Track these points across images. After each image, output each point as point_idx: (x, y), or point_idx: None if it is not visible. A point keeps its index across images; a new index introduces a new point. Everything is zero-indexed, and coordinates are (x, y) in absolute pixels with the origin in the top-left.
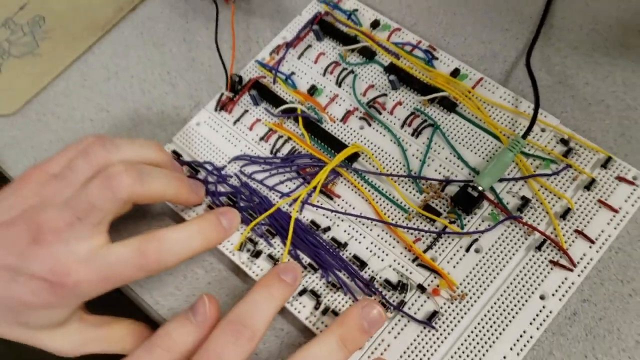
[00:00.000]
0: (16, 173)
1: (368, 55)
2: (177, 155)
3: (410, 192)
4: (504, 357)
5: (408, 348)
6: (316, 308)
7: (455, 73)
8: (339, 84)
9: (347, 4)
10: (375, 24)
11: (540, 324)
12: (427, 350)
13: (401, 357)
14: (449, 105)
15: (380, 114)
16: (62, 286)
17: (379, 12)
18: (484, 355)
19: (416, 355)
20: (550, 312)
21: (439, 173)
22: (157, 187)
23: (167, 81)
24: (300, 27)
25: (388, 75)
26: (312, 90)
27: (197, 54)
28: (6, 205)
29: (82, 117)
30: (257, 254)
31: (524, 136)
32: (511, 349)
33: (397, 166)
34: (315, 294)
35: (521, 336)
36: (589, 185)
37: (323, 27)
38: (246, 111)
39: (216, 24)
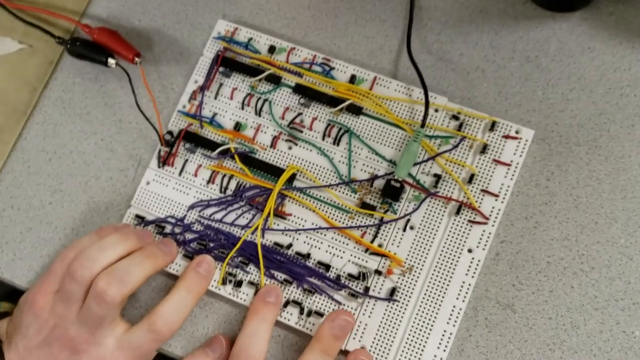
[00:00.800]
0: (2, 272)
1: (275, 81)
2: (140, 218)
3: (346, 195)
4: (454, 306)
5: (381, 322)
6: (301, 313)
7: (353, 79)
8: (258, 113)
9: (241, 34)
10: (272, 49)
11: (474, 272)
12: (395, 320)
13: (377, 331)
14: (355, 109)
15: (301, 132)
16: None
17: (270, 32)
18: (438, 310)
19: (388, 326)
20: (479, 260)
21: (365, 171)
22: (138, 278)
23: (104, 148)
24: (206, 68)
25: (299, 98)
26: (238, 126)
27: (122, 115)
28: (34, 330)
29: (40, 203)
30: (239, 283)
31: (422, 125)
32: (457, 298)
33: (329, 174)
34: (297, 302)
35: (462, 286)
36: (484, 149)
37: (227, 64)
38: (187, 160)
39: (131, 86)
